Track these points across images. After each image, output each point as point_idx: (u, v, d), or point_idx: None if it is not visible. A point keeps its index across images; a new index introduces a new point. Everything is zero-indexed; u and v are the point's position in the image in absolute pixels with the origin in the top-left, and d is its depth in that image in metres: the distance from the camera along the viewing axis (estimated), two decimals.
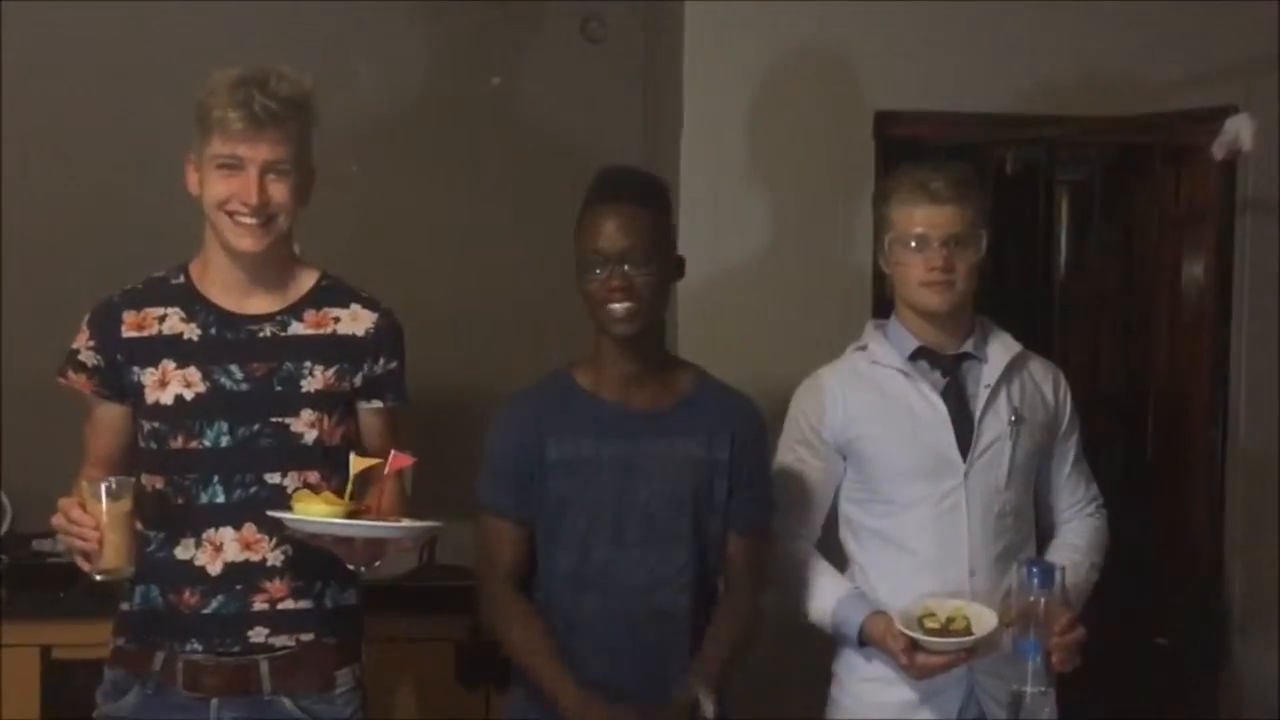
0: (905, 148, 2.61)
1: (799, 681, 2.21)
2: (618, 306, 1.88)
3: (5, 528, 2.86)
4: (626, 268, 1.88)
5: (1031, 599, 1.86)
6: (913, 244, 2.00)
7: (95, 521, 1.75)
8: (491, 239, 3.09)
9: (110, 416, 1.96)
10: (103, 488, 1.76)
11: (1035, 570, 1.88)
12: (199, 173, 1.90)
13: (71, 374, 1.96)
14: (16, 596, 2.67)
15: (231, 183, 1.86)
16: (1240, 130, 2.45)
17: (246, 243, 1.88)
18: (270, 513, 1.83)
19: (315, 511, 1.79)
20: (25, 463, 2.88)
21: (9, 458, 2.87)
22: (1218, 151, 2.50)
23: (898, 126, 2.66)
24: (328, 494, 1.82)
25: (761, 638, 2.02)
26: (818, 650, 2.12)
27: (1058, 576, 1.89)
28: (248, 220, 1.86)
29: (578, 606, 1.92)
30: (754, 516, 1.97)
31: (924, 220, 1.99)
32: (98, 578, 1.79)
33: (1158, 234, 2.84)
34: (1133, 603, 2.69)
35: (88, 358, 1.94)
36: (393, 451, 1.85)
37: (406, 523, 1.86)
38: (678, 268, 1.98)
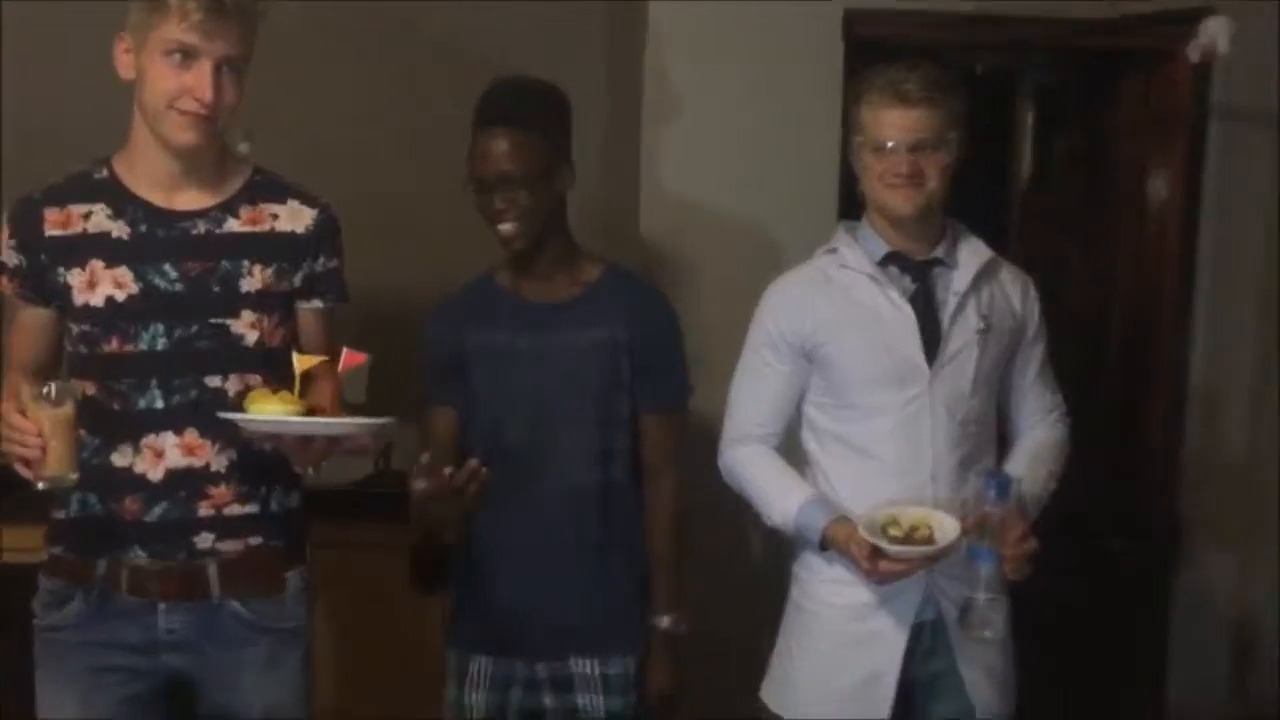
0: (874, 48, 2.54)
1: (759, 584, 2.24)
2: (505, 227, 2.04)
3: None
4: (509, 190, 2.02)
5: (988, 509, 1.88)
6: (884, 146, 1.96)
7: (37, 428, 1.69)
8: (451, 138, 3.04)
9: (35, 319, 1.88)
10: (44, 393, 1.70)
11: (993, 482, 1.90)
12: (135, 57, 1.79)
13: None
14: None
15: (184, 77, 1.76)
16: (1217, 33, 2.42)
17: (189, 137, 1.79)
18: (225, 414, 1.77)
19: (272, 411, 1.74)
20: None
21: None
22: (1193, 54, 2.47)
23: (866, 25, 2.63)
24: (284, 393, 1.77)
25: (689, 509, 2.16)
26: (775, 555, 2.17)
27: (1014, 489, 1.91)
28: (198, 115, 1.76)
29: (501, 484, 2.03)
30: (662, 396, 2.13)
31: (893, 123, 1.96)
32: (40, 485, 1.74)
33: (1122, 142, 2.81)
34: (1091, 508, 2.73)
35: (9, 258, 1.86)
36: (345, 349, 1.80)
37: (363, 419, 1.81)
38: (569, 177, 2.10)
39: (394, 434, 2.13)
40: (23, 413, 1.71)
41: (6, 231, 1.87)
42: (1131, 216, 2.84)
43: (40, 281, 1.85)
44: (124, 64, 1.81)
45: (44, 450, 1.70)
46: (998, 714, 2.06)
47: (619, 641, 2.11)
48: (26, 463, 1.72)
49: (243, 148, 1.96)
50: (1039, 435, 2.13)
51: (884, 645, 2.00)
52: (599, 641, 2.10)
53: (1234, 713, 2.78)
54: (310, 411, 1.77)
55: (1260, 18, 2.64)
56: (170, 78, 1.76)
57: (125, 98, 1.85)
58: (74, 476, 1.75)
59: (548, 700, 2.12)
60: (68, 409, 1.71)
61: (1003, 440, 2.12)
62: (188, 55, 1.75)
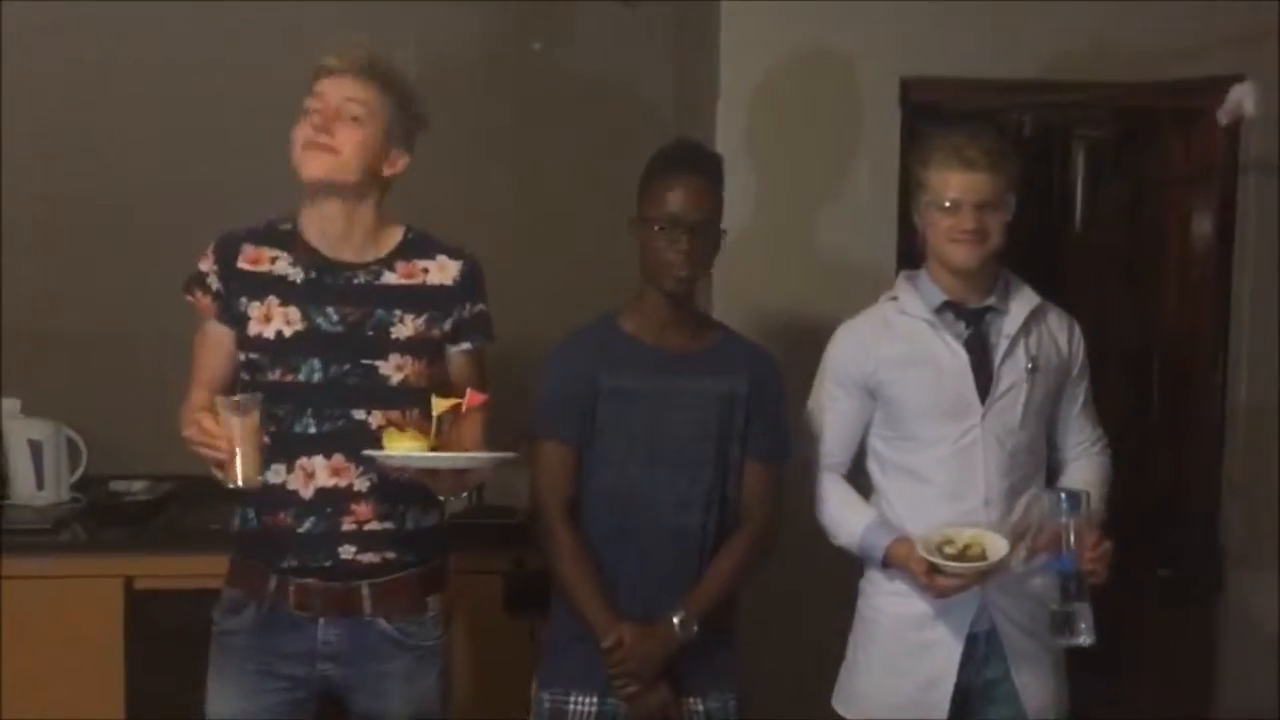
0: (928, 112, 2.72)
1: (825, 598, 2.39)
2: (679, 269, 2.11)
3: (81, 470, 3.01)
4: (693, 235, 2.10)
5: (1063, 522, 2.03)
6: (951, 204, 2.12)
7: (227, 434, 1.89)
8: (528, 199, 3.22)
9: (224, 336, 2.10)
10: (234, 402, 1.91)
11: (1065, 497, 2.05)
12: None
13: (198, 293, 2.11)
14: (99, 532, 2.82)
15: (312, 117, 2.03)
16: (1244, 98, 2.59)
17: (312, 168, 2.02)
18: (367, 452, 1.98)
19: (404, 447, 1.95)
20: (98, 409, 3.04)
21: (82, 405, 3.03)
22: (1222, 117, 2.63)
23: (922, 92, 2.76)
24: (413, 430, 1.97)
25: (778, 548, 2.23)
26: (840, 571, 2.31)
27: (1084, 502, 2.06)
28: (323, 148, 2.01)
29: (611, 520, 2.13)
30: (768, 446, 2.19)
31: (959, 185, 2.12)
32: (230, 486, 1.93)
33: (1166, 194, 2.96)
34: (1138, 538, 2.79)
35: (212, 281, 2.10)
36: (469, 390, 2.01)
37: (476, 453, 2.02)
38: (721, 237, 2.18)
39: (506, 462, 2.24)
40: (215, 418, 1.91)
41: (211, 258, 2.09)
42: (1173, 261, 2.99)
43: (230, 306, 2.08)
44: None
45: (233, 455, 1.89)
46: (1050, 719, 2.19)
47: (720, 679, 2.17)
48: (219, 465, 1.90)
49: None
50: (1085, 464, 2.27)
51: (941, 653, 2.15)
52: (702, 679, 2.15)
53: None
54: (438, 447, 1.96)
55: None
56: (304, 126, 2.03)
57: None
58: (260, 479, 1.94)
59: None
60: (254, 418, 1.91)
61: (1050, 471, 2.25)
62: (315, 103, 2.03)
